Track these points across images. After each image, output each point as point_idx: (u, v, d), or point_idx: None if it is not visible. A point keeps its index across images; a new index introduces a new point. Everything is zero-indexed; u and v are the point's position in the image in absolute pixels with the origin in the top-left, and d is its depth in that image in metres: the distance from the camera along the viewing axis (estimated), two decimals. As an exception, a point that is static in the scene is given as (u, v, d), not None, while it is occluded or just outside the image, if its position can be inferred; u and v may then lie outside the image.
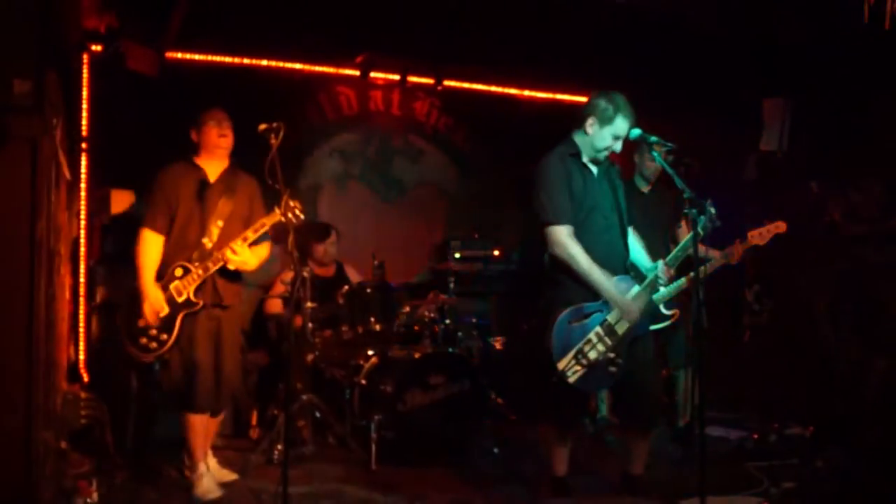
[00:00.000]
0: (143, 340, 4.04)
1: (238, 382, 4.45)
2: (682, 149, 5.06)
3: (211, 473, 4.21)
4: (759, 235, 4.57)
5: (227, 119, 4.27)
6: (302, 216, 3.96)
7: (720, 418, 5.64)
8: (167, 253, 4.16)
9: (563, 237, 3.63)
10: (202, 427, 4.20)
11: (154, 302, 4.03)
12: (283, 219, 3.93)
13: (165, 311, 4.04)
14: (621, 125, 3.70)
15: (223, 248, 4.07)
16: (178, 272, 4.09)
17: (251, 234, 4.09)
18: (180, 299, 4.07)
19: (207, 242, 4.13)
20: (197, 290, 4.09)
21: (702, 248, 3.93)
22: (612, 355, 3.61)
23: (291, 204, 3.88)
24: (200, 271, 4.08)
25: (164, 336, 4.05)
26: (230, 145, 4.29)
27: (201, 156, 4.29)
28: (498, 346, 6.38)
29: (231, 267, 4.11)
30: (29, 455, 3.04)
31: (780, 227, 4.56)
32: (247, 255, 4.10)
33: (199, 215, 4.17)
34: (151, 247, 4.14)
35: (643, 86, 6.53)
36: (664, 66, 6.12)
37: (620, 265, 3.79)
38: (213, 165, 4.29)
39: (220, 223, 4.16)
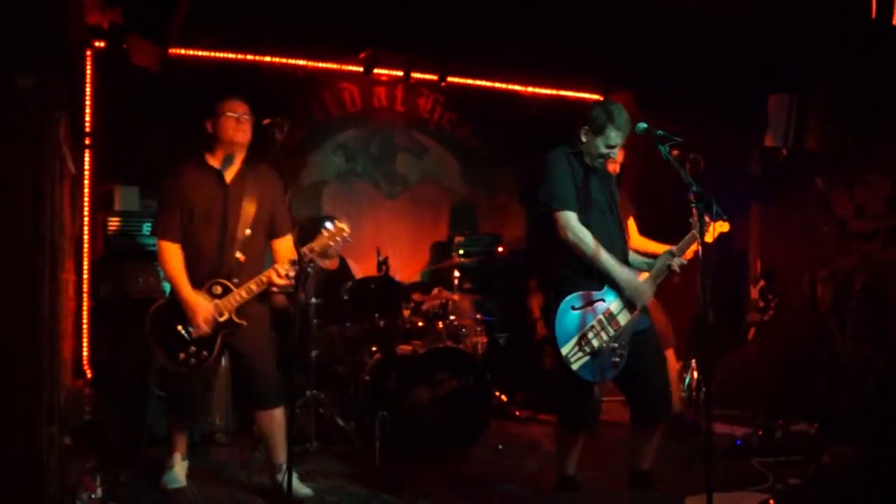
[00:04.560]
0: (182, 355, 3.88)
1: (276, 376, 4.12)
2: (687, 144, 5.06)
3: (183, 465, 4.21)
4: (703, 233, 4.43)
5: (247, 112, 3.98)
6: (349, 238, 3.82)
7: (725, 415, 5.63)
8: (188, 262, 3.93)
9: (573, 221, 3.66)
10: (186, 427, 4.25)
11: (204, 310, 3.85)
12: (331, 243, 3.79)
13: (207, 330, 3.88)
14: (613, 136, 3.74)
15: (266, 268, 3.89)
16: (217, 290, 3.89)
17: (298, 257, 3.78)
18: (221, 319, 3.87)
19: (241, 256, 3.93)
20: (239, 311, 3.90)
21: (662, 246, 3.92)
22: (615, 345, 3.62)
23: (340, 226, 3.77)
24: (243, 293, 3.87)
25: (205, 353, 3.89)
26: (247, 140, 4.00)
27: (215, 152, 3.99)
28: (502, 342, 6.37)
29: (275, 290, 3.97)
30: (34, 450, 3.03)
31: (723, 226, 4.42)
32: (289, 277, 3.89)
33: (219, 222, 3.94)
34: (176, 256, 3.92)
35: (648, 81, 6.56)
36: (669, 61, 6.11)
37: (622, 261, 3.81)
38: (229, 163, 4.01)
39: (248, 231, 3.95)
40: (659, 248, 4.75)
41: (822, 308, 5.85)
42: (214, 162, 4.00)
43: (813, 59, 5.64)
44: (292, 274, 3.85)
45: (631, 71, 6.68)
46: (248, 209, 3.96)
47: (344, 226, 3.79)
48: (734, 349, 6.25)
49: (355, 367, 5.21)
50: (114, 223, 5.40)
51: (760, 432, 5.04)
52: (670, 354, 5.38)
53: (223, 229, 3.94)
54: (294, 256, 3.81)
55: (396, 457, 4.68)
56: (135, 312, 4.97)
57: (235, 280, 3.90)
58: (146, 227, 5.32)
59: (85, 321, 5.45)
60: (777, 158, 6.04)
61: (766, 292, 6.18)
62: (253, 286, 3.87)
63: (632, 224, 5.20)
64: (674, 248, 3.81)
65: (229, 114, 3.93)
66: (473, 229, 7.12)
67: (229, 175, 4.00)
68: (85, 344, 5.45)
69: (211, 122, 3.97)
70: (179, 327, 3.90)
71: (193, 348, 3.89)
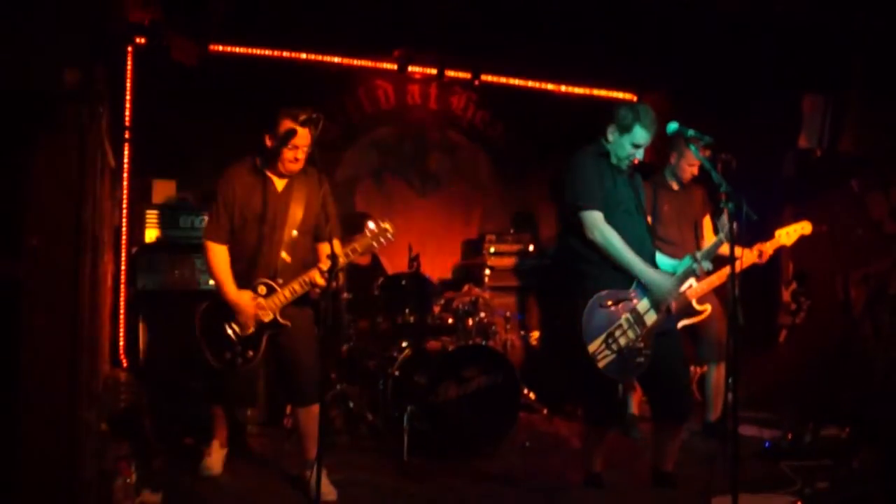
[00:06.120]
0: (228, 355, 3.93)
1: (317, 373, 4.12)
2: (719, 144, 5.05)
3: (221, 453, 4.31)
4: (787, 235, 4.57)
5: (308, 142, 3.87)
6: (392, 238, 3.86)
7: (754, 418, 5.59)
8: (236, 263, 3.99)
9: (600, 221, 3.71)
10: (226, 416, 4.36)
11: (247, 308, 3.90)
12: (374, 244, 3.85)
13: (251, 329, 3.94)
14: (640, 134, 3.78)
15: (309, 269, 3.90)
16: (262, 290, 3.92)
17: (342, 259, 3.79)
18: (266, 319, 3.92)
19: (287, 257, 3.97)
20: (283, 310, 3.94)
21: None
22: (640, 345, 3.65)
23: (384, 226, 3.82)
24: (287, 293, 3.90)
25: (250, 353, 3.94)
26: (300, 168, 3.99)
27: (268, 161, 4.00)
28: (532, 340, 6.38)
29: (317, 290, 3.95)
30: (72, 435, 3.11)
31: (806, 228, 4.55)
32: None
33: (267, 225, 3.98)
34: (222, 258, 3.98)
35: (681, 81, 6.53)
36: (702, 62, 6.08)
37: (650, 261, 3.83)
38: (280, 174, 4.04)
39: (295, 233, 4.00)
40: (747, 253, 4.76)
41: (855, 311, 5.79)
42: (266, 168, 4.04)
43: (847, 59, 5.58)
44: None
45: (664, 71, 6.65)
46: (296, 213, 4.02)
47: (387, 226, 3.84)
48: (765, 351, 6.21)
49: (385, 361, 5.25)
50: (151, 216, 5.52)
51: (790, 435, 5.00)
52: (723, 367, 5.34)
53: (271, 232, 3.99)
54: (341, 258, 3.76)
55: (424, 452, 4.71)
56: (171, 303, 5.11)
57: (280, 280, 3.94)
58: (183, 220, 5.44)
59: (122, 311, 5.56)
60: (811, 160, 5.98)
61: (798, 295, 6.14)
62: (297, 286, 3.91)
63: (708, 223, 5.18)
64: (698, 252, 3.82)
65: (291, 145, 3.87)
66: (504, 227, 7.14)
67: (279, 181, 4.06)
68: (122, 333, 5.57)
69: (271, 138, 3.93)
70: (226, 328, 3.95)
71: (240, 348, 3.95)
